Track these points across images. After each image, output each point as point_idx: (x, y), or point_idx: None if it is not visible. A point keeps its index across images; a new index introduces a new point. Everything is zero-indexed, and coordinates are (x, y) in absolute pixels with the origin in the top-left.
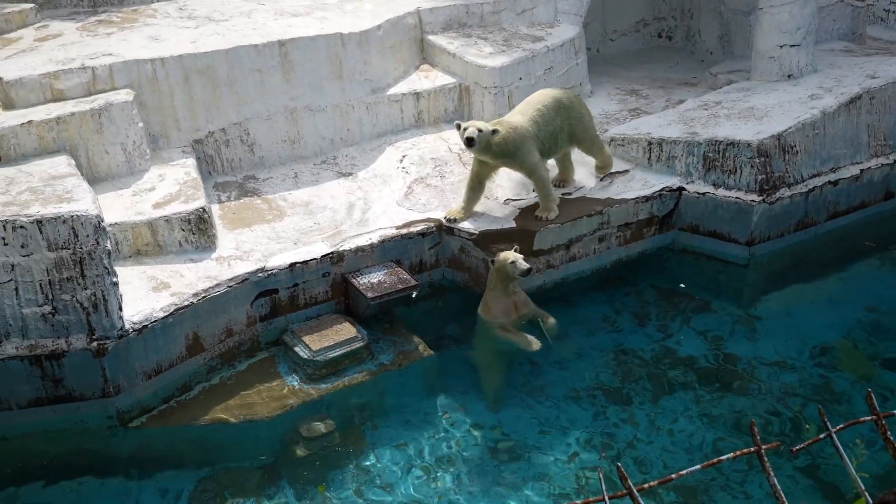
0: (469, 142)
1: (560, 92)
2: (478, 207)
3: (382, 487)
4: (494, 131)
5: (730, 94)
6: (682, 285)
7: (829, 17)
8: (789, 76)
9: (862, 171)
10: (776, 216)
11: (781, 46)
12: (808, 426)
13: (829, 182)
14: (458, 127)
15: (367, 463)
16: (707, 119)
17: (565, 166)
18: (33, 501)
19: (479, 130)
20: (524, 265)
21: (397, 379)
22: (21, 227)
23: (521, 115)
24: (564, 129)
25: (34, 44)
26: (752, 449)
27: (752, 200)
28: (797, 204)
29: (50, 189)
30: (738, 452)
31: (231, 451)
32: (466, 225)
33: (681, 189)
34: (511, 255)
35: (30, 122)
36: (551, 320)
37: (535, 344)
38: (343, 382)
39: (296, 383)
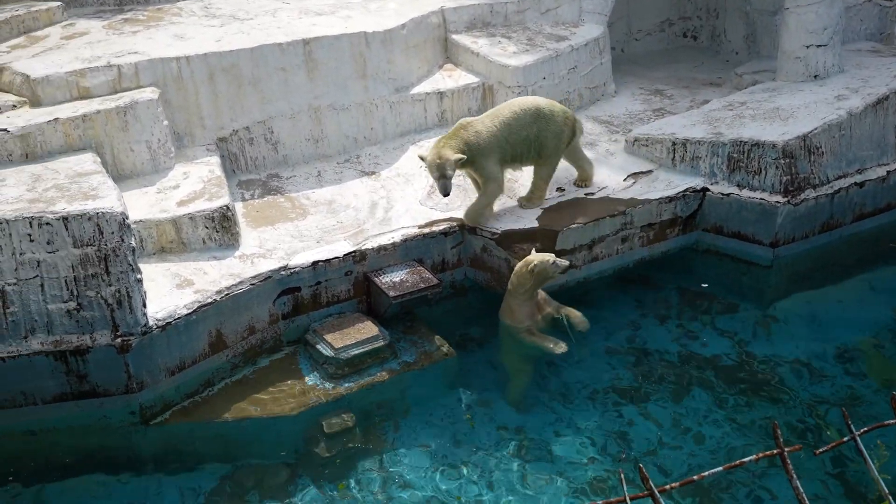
0: (445, 195)
1: (547, 103)
2: (500, 207)
3: (403, 486)
4: (460, 159)
5: (755, 95)
6: (704, 285)
7: (856, 17)
8: (815, 77)
9: (889, 172)
10: (801, 217)
11: (808, 47)
12: (830, 430)
13: (855, 183)
14: (422, 160)
15: (388, 462)
16: (732, 119)
17: (580, 165)
18: (57, 496)
19: (449, 178)
20: (565, 261)
21: (419, 378)
22: (47, 223)
23: (491, 119)
24: (538, 140)
25: (61, 42)
26: (775, 451)
27: (777, 202)
28: (822, 205)
29: (76, 186)
30: (760, 454)
31: (252, 449)
32: (489, 224)
33: (705, 190)
34: (548, 256)
35: (56, 119)
36: (577, 314)
37: (562, 347)
38: (365, 381)
39: (317, 381)
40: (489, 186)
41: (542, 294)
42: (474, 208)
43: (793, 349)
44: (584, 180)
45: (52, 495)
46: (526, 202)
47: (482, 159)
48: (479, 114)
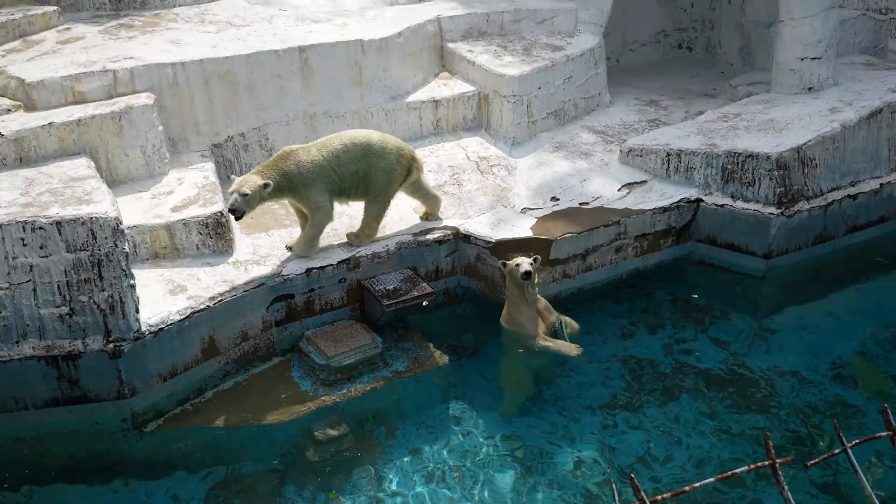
0: (233, 212)
1: (380, 138)
2: (495, 216)
3: (394, 495)
4: (266, 185)
5: (749, 106)
6: (694, 296)
7: (850, 30)
8: (810, 89)
9: (882, 185)
10: (794, 229)
11: (802, 59)
12: (822, 441)
13: (849, 196)
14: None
15: (380, 470)
16: (726, 131)
17: (425, 201)
18: (47, 502)
19: (245, 195)
20: (523, 268)
21: (412, 386)
22: (40, 228)
23: (318, 148)
24: (366, 177)
25: (56, 46)
26: (767, 462)
27: (771, 213)
28: (816, 217)
29: (69, 191)
30: (752, 466)
31: (244, 456)
32: (483, 233)
33: (699, 200)
34: (519, 259)
35: (51, 123)
36: (575, 325)
37: (576, 349)
38: (357, 389)
39: (310, 389)
40: (317, 215)
41: (543, 302)
42: (304, 238)
43: (785, 360)
44: (428, 214)
45: (42, 501)
46: (354, 238)
47: (305, 189)
48: (475, 123)
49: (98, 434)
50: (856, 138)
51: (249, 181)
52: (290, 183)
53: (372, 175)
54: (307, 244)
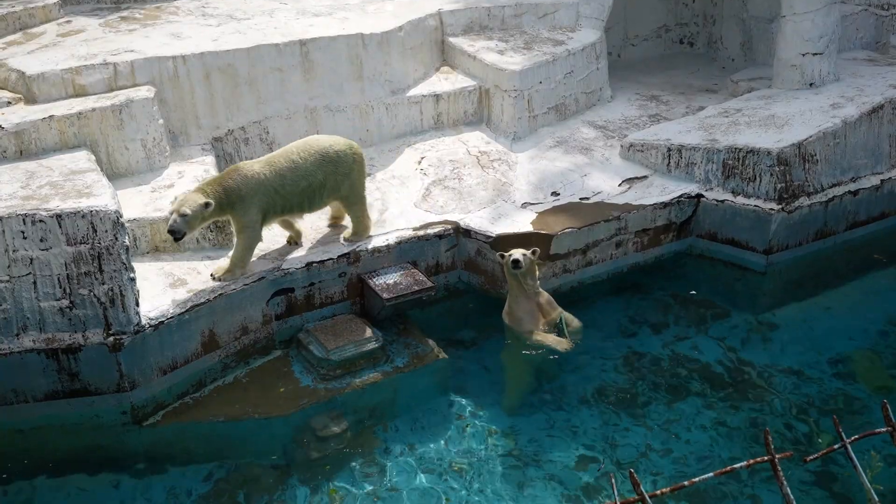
0: (172, 233)
1: (329, 143)
2: (495, 211)
3: (393, 489)
4: (207, 204)
5: (750, 102)
6: (692, 292)
7: (852, 25)
8: (811, 84)
9: (882, 181)
10: (795, 225)
11: (804, 54)
12: (821, 437)
13: (849, 192)
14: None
15: (379, 464)
16: (727, 126)
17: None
18: (47, 495)
19: (184, 215)
20: (512, 257)
21: (411, 381)
22: (40, 221)
23: (262, 165)
24: (327, 185)
25: (57, 39)
26: (766, 458)
27: (771, 209)
28: (816, 213)
29: (70, 184)
30: (751, 461)
31: (244, 450)
32: (483, 227)
33: (699, 196)
34: (515, 251)
35: (51, 116)
36: (577, 323)
37: (565, 343)
38: (357, 383)
39: (310, 383)
40: (244, 234)
41: (545, 296)
42: (231, 263)
43: (785, 355)
44: (336, 219)
45: (42, 494)
46: (353, 237)
47: (241, 205)
48: (475, 117)
49: (98, 427)
50: (857, 134)
51: (189, 200)
52: (229, 199)
53: (335, 182)
54: (235, 266)
